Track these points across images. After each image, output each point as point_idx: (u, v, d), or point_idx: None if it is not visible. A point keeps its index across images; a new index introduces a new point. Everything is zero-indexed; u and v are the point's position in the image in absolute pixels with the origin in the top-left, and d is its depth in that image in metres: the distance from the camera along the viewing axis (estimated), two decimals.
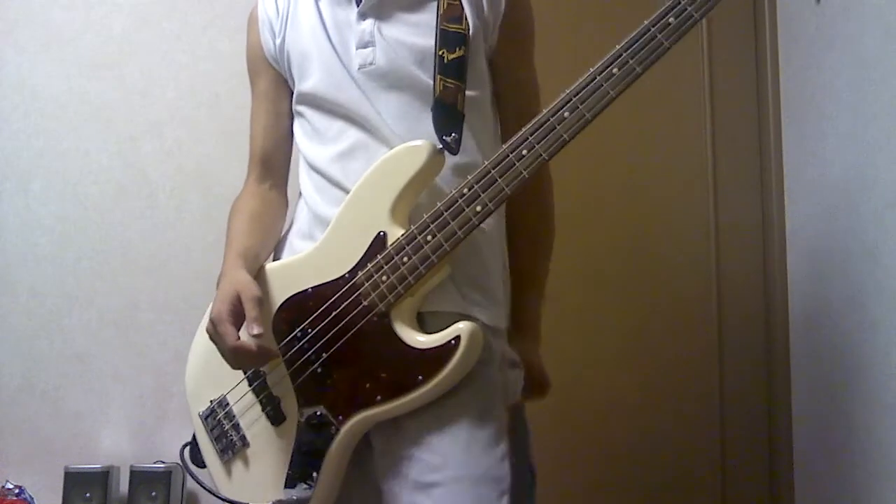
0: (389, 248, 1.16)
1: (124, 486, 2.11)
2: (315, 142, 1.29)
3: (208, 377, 1.29)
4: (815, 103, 2.07)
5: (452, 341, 1.10)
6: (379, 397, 1.14)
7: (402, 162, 1.17)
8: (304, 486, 1.16)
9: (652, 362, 2.29)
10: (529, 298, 1.35)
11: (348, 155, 1.24)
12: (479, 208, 1.12)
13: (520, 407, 1.32)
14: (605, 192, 2.28)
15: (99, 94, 2.35)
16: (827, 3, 2.00)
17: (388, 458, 1.17)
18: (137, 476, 2.10)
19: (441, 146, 1.18)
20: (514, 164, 1.12)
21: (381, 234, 1.17)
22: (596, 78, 1.09)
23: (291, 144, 1.38)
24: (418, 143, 1.17)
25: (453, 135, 1.19)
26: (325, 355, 1.18)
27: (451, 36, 1.22)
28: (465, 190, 1.13)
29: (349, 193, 1.21)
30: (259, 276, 1.25)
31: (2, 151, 2.34)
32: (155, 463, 2.13)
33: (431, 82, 1.21)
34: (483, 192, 1.12)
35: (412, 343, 1.13)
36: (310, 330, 1.19)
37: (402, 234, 1.16)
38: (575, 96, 1.10)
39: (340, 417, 1.16)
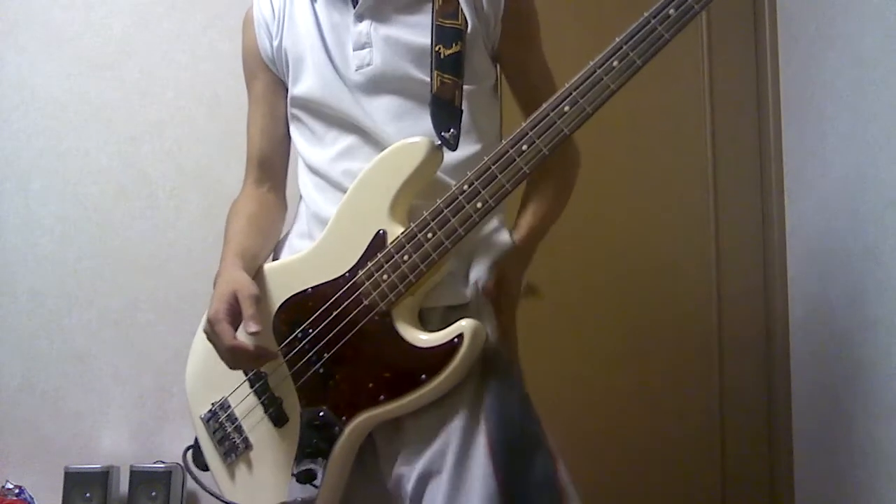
0: (389, 246, 1.15)
1: (124, 486, 2.11)
2: (313, 144, 1.29)
3: (209, 379, 1.28)
4: (815, 103, 2.07)
5: (455, 339, 1.10)
6: (382, 397, 1.13)
7: (400, 159, 1.16)
8: (309, 486, 1.16)
9: (652, 362, 2.29)
10: (532, 225, 1.29)
11: (347, 155, 1.24)
12: (479, 205, 1.11)
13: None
14: (605, 192, 2.28)
15: (99, 94, 2.35)
16: (827, 3, 2.00)
17: (391, 458, 1.16)
18: (137, 476, 2.10)
19: (440, 142, 1.17)
20: (515, 160, 1.10)
21: (381, 232, 1.16)
22: (596, 71, 1.08)
23: (289, 146, 1.37)
24: (416, 139, 1.16)
25: (452, 131, 1.18)
26: (326, 355, 1.17)
27: (447, 32, 1.21)
28: (465, 186, 1.12)
29: (347, 192, 1.21)
30: (258, 276, 1.24)
31: (2, 151, 2.34)
32: (155, 463, 2.13)
33: (428, 79, 1.21)
34: (483, 189, 1.11)
35: (414, 342, 1.13)
36: (311, 330, 1.18)
37: (402, 232, 1.15)
38: (575, 90, 1.08)
39: (344, 418, 1.15)
